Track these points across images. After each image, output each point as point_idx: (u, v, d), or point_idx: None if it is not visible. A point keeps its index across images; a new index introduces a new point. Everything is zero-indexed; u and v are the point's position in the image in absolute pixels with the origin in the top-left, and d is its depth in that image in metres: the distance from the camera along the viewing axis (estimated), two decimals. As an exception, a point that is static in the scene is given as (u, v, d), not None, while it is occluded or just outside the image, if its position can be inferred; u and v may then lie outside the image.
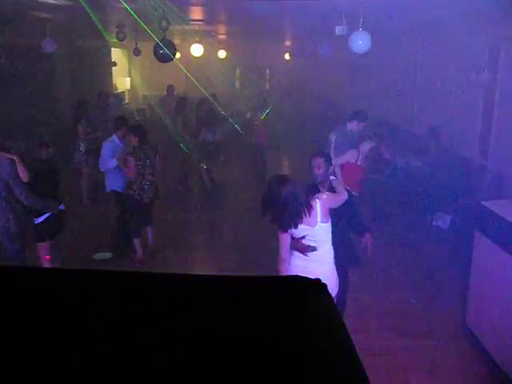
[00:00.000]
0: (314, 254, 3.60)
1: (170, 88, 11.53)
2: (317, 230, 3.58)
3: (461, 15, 6.62)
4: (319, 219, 3.56)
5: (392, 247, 6.46)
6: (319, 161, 4.06)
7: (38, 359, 1.09)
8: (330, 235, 3.68)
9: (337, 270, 3.75)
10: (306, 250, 3.60)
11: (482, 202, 4.39)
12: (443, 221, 7.13)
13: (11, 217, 4.90)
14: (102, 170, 6.34)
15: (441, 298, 5.21)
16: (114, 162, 6.07)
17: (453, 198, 6.73)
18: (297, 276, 1.37)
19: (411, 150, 8.19)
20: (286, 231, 3.54)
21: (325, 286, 1.30)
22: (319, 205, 3.57)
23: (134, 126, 6.57)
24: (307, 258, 3.60)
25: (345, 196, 3.88)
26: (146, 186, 6.00)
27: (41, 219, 5.05)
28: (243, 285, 1.47)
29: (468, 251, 4.59)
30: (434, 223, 7.23)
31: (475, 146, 7.45)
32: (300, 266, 3.60)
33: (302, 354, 1.14)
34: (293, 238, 3.65)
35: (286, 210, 3.46)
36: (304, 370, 1.09)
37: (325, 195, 3.67)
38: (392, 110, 9.89)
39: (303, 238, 3.61)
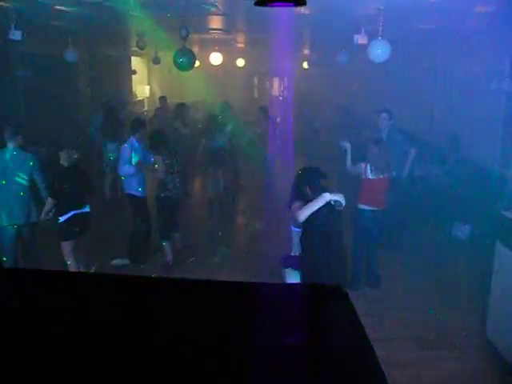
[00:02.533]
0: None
1: (163, 99, 11.35)
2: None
3: (481, 22, 6.57)
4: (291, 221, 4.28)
5: (410, 257, 6.39)
6: None
7: (47, 360, 1.11)
8: (296, 240, 4.34)
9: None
10: None
11: (503, 212, 4.34)
12: (463, 231, 7.04)
13: (33, 209, 5.36)
14: (122, 175, 6.34)
15: (460, 309, 5.14)
16: (132, 169, 6.05)
17: (473, 207, 6.64)
18: (318, 283, 1.38)
19: (430, 159, 8.11)
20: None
21: (346, 293, 1.31)
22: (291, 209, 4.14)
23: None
24: None
25: (297, 213, 3.94)
26: (178, 185, 6.13)
27: (65, 218, 5.17)
28: (263, 291, 1.47)
29: (488, 261, 4.53)
30: (453, 233, 7.15)
31: (496, 155, 7.35)
32: None
33: (322, 361, 1.14)
34: None
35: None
36: (324, 378, 1.09)
37: (296, 205, 4.11)
38: (411, 119, 9.83)
39: None
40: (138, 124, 6.36)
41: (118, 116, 9.25)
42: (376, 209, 5.50)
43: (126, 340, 1.20)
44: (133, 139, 6.21)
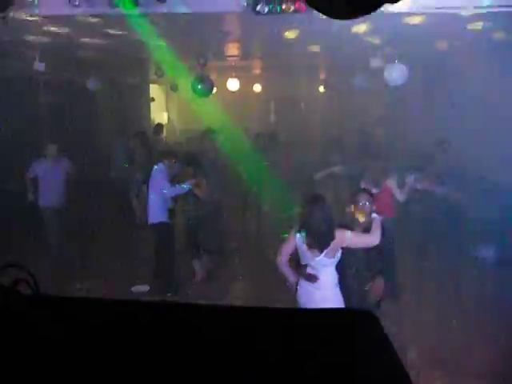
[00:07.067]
0: (317, 282, 3.67)
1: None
2: (318, 262, 3.66)
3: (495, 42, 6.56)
4: (324, 253, 3.63)
5: (434, 282, 6.25)
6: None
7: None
8: (332, 267, 3.69)
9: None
10: (310, 279, 3.69)
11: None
12: (487, 251, 6.90)
13: None
14: (171, 196, 6.16)
15: (490, 334, 4.97)
16: (179, 188, 6.10)
17: (496, 227, 6.50)
18: (347, 308, 1.36)
19: (450, 178, 7.98)
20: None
21: (377, 317, 1.29)
22: (336, 240, 3.61)
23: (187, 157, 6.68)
24: (310, 283, 3.70)
25: (373, 239, 3.74)
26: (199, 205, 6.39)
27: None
28: (292, 317, 1.46)
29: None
30: (477, 255, 6.99)
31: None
32: (306, 289, 3.72)
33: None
34: (299, 264, 3.80)
35: (314, 229, 3.61)
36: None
37: (348, 234, 3.65)
38: (430, 142, 9.78)
39: (306, 265, 3.73)
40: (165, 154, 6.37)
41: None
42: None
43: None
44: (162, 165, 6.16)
